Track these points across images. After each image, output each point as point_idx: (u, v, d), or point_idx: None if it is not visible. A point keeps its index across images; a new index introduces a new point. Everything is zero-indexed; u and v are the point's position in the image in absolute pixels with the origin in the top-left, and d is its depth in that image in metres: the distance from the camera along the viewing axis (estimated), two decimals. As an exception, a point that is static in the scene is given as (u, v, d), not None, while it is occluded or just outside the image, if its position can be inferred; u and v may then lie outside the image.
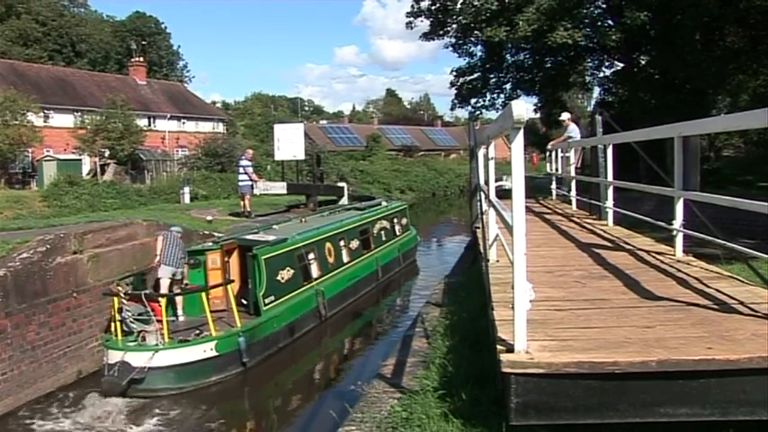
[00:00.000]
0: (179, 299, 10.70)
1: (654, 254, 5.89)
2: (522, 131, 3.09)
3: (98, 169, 31.19)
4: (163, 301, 9.81)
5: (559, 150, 12.92)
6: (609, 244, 6.76)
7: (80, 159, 32.03)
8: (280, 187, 19.29)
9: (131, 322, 9.74)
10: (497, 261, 5.79)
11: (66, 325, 10.07)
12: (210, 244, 11.90)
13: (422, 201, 42.17)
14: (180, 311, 10.75)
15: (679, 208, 5.49)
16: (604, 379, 2.96)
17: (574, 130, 12.24)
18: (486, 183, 6.18)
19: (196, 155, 34.73)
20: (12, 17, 47.99)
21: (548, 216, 10.08)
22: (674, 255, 5.70)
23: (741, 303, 3.92)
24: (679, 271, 5.03)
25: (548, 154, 15.38)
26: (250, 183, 17.41)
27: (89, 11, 59.51)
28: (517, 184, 3.09)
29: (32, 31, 47.86)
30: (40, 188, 26.53)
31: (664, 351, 3.07)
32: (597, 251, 6.15)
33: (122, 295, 9.83)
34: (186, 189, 24.43)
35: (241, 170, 17.58)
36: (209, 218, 15.66)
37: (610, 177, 8.14)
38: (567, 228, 8.35)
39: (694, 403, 2.97)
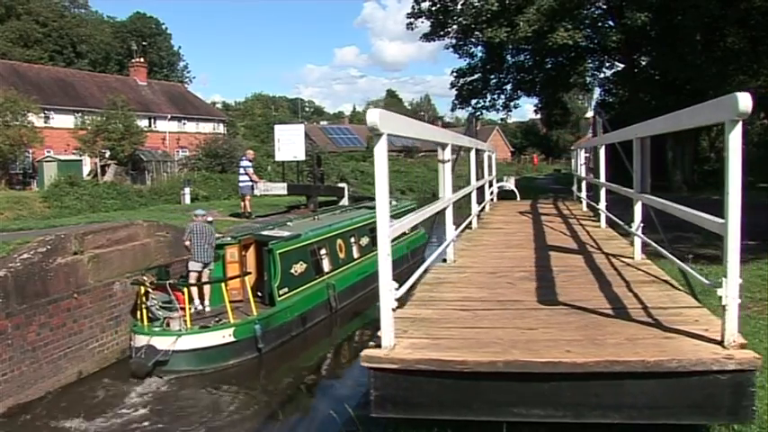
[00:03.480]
0: (206, 289, 11.39)
1: (615, 257, 5.86)
2: (383, 138, 3.14)
3: (98, 170, 31.17)
4: (187, 290, 10.69)
5: (578, 151, 12.95)
6: (578, 247, 6.74)
7: (80, 160, 31.98)
8: (280, 188, 19.31)
9: (157, 309, 10.47)
10: (454, 261, 5.85)
11: (66, 326, 10.06)
12: (229, 239, 12.55)
13: (422, 201, 42.11)
14: (207, 301, 11.41)
15: (637, 210, 5.47)
16: (458, 378, 3.03)
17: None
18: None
19: (197, 155, 34.68)
20: (12, 18, 48.00)
21: (548, 217, 10.08)
22: (632, 257, 5.65)
23: (644, 308, 3.89)
24: (620, 275, 5.00)
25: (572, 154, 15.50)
26: (250, 183, 17.39)
27: (89, 11, 59.54)
28: (380, 189, 3.18)
29: (33, 32, 47.85)
30: (41, 189, 26.51)
31: (521, 352, 3.11)
32: (561, 254, 6.16)
33: (148, 285, 10.56)
34: (187, 190, 24.41)
35: (241, 171, 17.56)
36: (209, 219, 15.62)
37: (602, 179, 8.14)
38: (556, 229, 8.34)
39: (547, 405, 3.01)
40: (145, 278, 10.78)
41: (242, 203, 17.61)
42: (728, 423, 3.27)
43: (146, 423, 8.78)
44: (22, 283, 9.31)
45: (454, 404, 3.09)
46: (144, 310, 10.50)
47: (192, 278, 11.20)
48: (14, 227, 13.39)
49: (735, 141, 2.88)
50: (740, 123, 2.85)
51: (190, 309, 10.50)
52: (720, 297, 2.96)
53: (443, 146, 5.53)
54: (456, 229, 6.03)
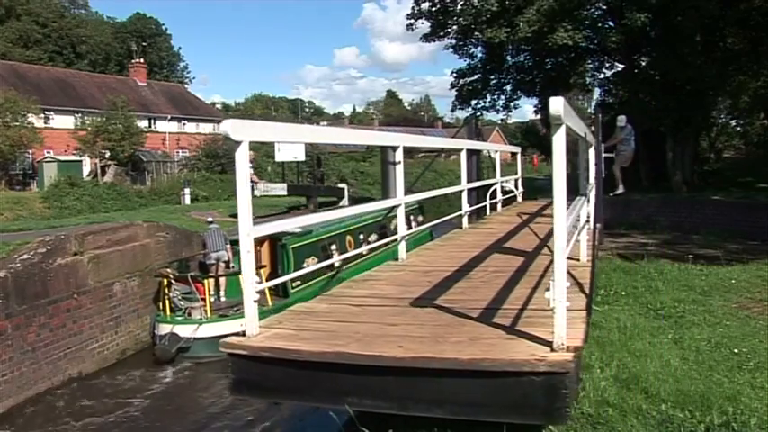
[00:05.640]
0: (222, 282, 12.16)
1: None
2: (243, 146, 3.30)
3: (98, 171, 31.18)
4: (207, 282, 11.44)
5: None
6: (536, 248, 6.61)
7: (80, 161, 31.99)
8: (280, 189, 19.36)
9: (179, 300, 11.31)
10: (405, 259, 5.87)
11: (66, 326, 10.06)
12: None
13: (422, 201, 42.12)
14: (222, 293, 12.18)
15: (583, 212, 5.45)
16: (299, 367, 3.21)
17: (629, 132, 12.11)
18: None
19: (196, 156, 34.69)
20: (12, 19, 48.00)
21: (546, 218, 10.04)
22: (578, 259, 5.60)
23: (522, 309, 3.86)
24: (542, 276, 4.92)
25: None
26: (250, 184, 17.41)
27: (89, 12, 59.54)
28: (241, 194, 3.35)
29: (33, 32, 47.85)
30: (41, 189, 26.52)
31: (358, 345, 3.25)
32: (512, 255, 6.09)
33: (170, 277, 11.36)
34: (186, 190, 24.44)
35: (241, 171, 17.57)
36: (209, 219, 15.63)
37: (592, 180, 8.14)
38: (537, 231, 8.28)
39: (376, 396, 3.15)
40: (168, 271, 11.54)
41: (242, 204, 17.62)
42: (543, 424, 3.32)
43: (154, 413, 8.99)
44: (22, 284, 9.31)
45: (298, 390, 3.29)
46: (167, 301, 11.19)
47: (212, 269, 12.23)
48: (14, 227, 13.42)
49: (557, 142, 2.97)
50: (563, 126, 2.95)
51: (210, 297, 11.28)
52: (548, 300, 3.01)
53: (394, 148, 5.63)
54: (408, 228, 6.11)
